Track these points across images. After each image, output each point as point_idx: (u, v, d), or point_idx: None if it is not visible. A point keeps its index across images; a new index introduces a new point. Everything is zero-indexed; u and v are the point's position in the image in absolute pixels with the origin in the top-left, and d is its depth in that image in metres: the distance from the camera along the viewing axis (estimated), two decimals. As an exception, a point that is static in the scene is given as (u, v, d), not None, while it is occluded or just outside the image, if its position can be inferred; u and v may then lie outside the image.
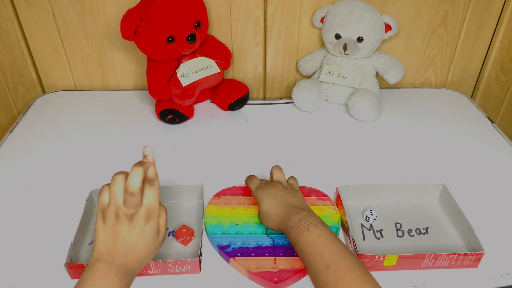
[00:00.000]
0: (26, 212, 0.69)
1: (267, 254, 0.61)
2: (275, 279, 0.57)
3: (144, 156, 0.52)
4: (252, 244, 0.63)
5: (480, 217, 0.66)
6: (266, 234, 0.65)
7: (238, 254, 0.61)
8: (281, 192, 0.62)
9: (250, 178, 0.67)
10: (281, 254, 0.61)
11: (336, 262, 0.50)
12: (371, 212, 0.67)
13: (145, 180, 0.51)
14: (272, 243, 0.63)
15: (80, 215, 0.64)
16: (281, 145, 0.85)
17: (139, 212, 0.50)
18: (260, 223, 0.66)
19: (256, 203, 0.69)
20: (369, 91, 0.92)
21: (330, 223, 0.66)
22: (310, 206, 0.61)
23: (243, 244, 0.63)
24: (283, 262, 0.60)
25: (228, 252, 0.61)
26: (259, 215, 0.63)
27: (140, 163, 0.51)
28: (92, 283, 0.47)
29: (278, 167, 0.67)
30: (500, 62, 1.06)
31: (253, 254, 0.61)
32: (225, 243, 0.62)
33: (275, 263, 0.60)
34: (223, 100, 0.94)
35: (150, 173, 0.51)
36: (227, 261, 0.61)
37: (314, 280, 0.51)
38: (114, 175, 0.51)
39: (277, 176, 0.66)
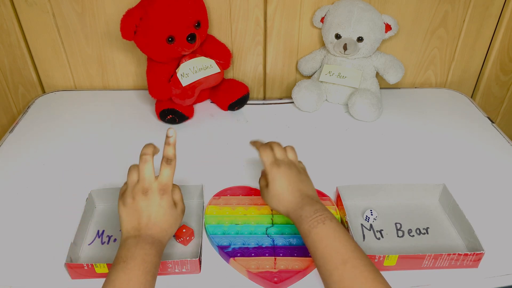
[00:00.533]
0: (26, 212, 0.68)
1: (267, 254, 0.61)
2: (275, 279, 0.57)
3: (167, 137, 0.56)
4: (252, 244, 0.63)
5: (480, 217, 0.66)
6: (266, 234, 0.65)
7: (238, 254, 0.61)
8: (296, 178, 0.60)
9: (263, 148, 0.63)
10: (281, 254, 0.61)
11: (352, 260, 0.49)
12: (371, 212, 0.67)
13: (163, 159, 0.56)
14: (272, 243, 0.63)
15: (80, 215, 0.64)
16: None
17: (153, 187, 0.55)
18: (260, 223, 0.66)
19: (256, 202, 0.69)
20: (369, 91, 0.92)
21: (330, 223, 0.66)
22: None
23: (243, 244, 0.63)
24: (283, 262, 0.60)
25: (228, 252, 0.61)
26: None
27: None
28: (126, 254, 0.51)
29: (292, 148, 0.66)
30: (500, 62, 1.06)
31: (253, 254, 0.61)
32: (225, 243, 0.62)
33: (275, 263, 0.60)
34: (223, 100, 0.94)
35: (170, 153, 0.56)
36: (227, 261, 0.61)
37: (327, 274, 0.50)
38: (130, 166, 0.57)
39: (291, 157, 0.64)
